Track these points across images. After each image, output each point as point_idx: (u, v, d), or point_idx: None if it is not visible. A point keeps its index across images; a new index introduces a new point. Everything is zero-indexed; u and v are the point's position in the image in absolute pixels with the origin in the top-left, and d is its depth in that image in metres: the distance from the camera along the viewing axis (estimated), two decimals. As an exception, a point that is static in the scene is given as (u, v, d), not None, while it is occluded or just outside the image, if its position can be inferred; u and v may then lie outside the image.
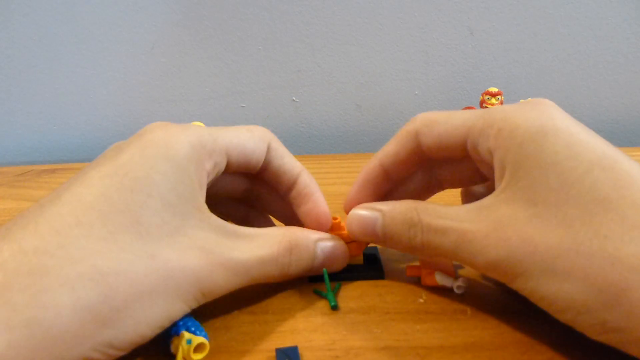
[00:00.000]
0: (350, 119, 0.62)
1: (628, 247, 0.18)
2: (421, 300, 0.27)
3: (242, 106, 0.61)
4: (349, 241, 0.28)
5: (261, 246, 0.25)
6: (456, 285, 0.27)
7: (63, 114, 0.60)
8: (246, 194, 0.30)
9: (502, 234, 0.21)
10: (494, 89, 0.43)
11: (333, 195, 0.33)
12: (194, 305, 0.23)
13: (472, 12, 0.57)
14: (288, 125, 0.62)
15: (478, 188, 0.30)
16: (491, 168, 0.24)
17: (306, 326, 0.25)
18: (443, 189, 0.30)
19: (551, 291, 0.20)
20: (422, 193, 0.30)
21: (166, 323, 0.21)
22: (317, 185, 0.29)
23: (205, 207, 0.24)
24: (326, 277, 0.28)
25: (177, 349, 0.22)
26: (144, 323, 0.20)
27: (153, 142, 0.23)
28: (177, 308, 0.22)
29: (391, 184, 0.29)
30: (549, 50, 0.59)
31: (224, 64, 0.59)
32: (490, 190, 0.27)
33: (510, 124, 0.23)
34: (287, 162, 0.28)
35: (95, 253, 0.20)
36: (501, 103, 0.43)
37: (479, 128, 0.24)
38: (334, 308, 0.26)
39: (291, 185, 0.29)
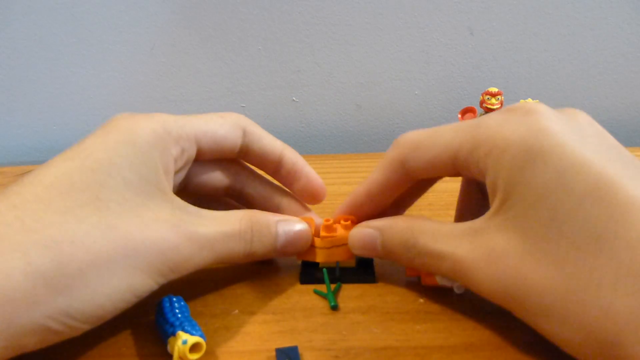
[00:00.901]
0: (350, 119, 0.62)
1: (622, 298, 0.18)
2: (421, 301, 0.27)
3: (242, 106, 0.61)
4: (342, 244, 0.28)
5: (224, 223, 0.25)
6: (456, 285, 0.27)
7: (63, 114, 0.60)
8: (228, 192, 0.30)
9: (495, 268, 0.21)
10: (494, 89, 0.43)
11: (333, 195, 0.33)
12: (161, 280, 0.22)
13: (472, 12, 0.57)
14: (288, 125, 0.62)
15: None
16: (485, 183, 0.23)
17: (306, 326, 0.25)
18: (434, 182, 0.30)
19: (550, 331, 0.20)
20: (414, 197, 0.30)
21: (129, 297, 0.21)
22: (303, 160, 0.29)
23: (170, 190, 0.24)
24: (326, 277, 0.28)
25: (173, 349, 0.22)
26: (101, 293, 0.20)
27: (116, 128, 0.24)
28: (141, 281, 0.21)
29: (379, 209, 0.28)
30: (549, 50, 0.59)
31: (224, 64, 0.59)
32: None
33: (498, 147, 0.21)
34: (267, 142, 0.28)
35: (51, 224, 0.20)
36: (501, 103, 0.43)
37: (467, 150, 0.23)
38: (334, 308, 0.26)
39: (277, 164, 0.29)
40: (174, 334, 0.22)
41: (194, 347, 0.22)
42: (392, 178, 0.27)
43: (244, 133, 0.27)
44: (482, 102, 0.43)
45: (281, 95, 0.61)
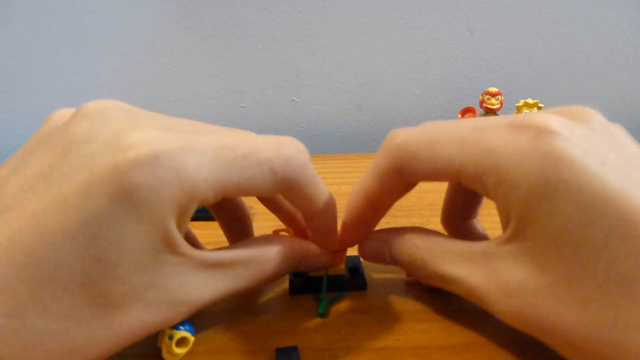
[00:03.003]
0: (350, 119, 0.62)
1: None
2: (421, 300, 0.27)
3: (242, 106, 0.61)
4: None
5: (241, 278, 0.23)
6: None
7: (63, 114, 0.60)
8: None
9: (513, 302, 0.20)
10: (494, 89, 0.43)
11: (333, 195, 0.33)
12: None
13: (472, 12, 0.57)
14: (288, 125, 0.62)
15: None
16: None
17: (306, 326, 0.25)
18: None
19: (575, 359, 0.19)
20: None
21: None
22: (331, 227, 0.26)
23: (183, 247, 0.21)
24: (324, 284, 0.27)
25: (160, 343, 0.22)
26: None
27: (129, 194, 0.18)
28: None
29: (383, 214, 0.27)
30: (549, 50, 0.59)
31: (224, 64, 0.59)
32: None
33: (509, 179, 0.19)
34: (302, 204, 0.24)
35: (50, 336, 0.18)
36: (501, 103, 0.43)
37: (472, 173, 0.21)
38: (321, 316, 0.26)
39: (305, 221, 0.26)
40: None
41: (181, 342, 0.23)
42: (391, 186, 0.25)
43: (284, 189, 0.22)
44: (482, 102, 0.43)
45: (281, 95, 0.61)
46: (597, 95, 0.60)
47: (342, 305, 0.27)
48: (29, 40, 0.57)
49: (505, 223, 0.21)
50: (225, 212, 0.30)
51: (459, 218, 0.29)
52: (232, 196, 0.22)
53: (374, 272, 0.30)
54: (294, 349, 0.23)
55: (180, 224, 0.20)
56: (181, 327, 0.22)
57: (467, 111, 0.43)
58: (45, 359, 0.18)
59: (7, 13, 0.56)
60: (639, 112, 0.61)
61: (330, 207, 0.25)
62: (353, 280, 0.29)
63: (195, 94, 0.60)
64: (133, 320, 0.20)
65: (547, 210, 0.19)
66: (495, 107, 0.42)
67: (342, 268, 0.29)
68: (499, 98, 0.43)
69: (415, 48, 0.59)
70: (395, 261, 0.26)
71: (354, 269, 0.29)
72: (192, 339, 0.23)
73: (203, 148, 0.20)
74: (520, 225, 0.20)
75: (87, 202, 0.18)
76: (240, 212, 0.29)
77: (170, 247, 0.20)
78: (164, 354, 0.23)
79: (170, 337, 0.22)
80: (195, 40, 0.58)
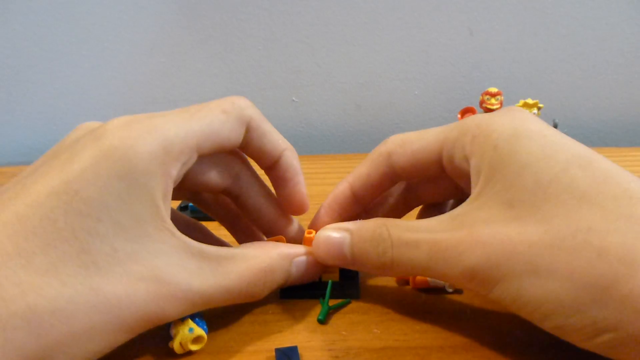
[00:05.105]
0: (350, 119, 0.62)
1: (613, 237, 0.18)
2: (420, 301, 0.27)
3: (242, 106, 0.61)
4: None
5: (229, 273, 0.23)
6: (447, 284, 0.27)
7: (63, 114, 0.60)
8: (225, 192, 0.28)
9: (478, 237, 0.20)
10: (493, 89, 0.43)
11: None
12: (141, 331, 0.22)
13: (472, 12, 0.57)
14: (288, 125, 0.62)
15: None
16: (469, 179, 0.23)
17: (306, 326, 0.25)
18: (421, 204, 0.29)
19: (536, 293, 0.19)
20: (399, 210, 0.29)
21: (107, 351, 0.21)
22: (298, 168, 0.27)
23: (168, 223, 0.22)
24: (329, 288, 0.27)
25: (177, 333, 0.22)
26: (79, 356, 0.20)
27: (108, 153, 0.20)
28: (121, 339, 0.21)
29: (361, 208, 0.28)
30: (549, 50, 0.59)
31: (224, 64, 0.59)
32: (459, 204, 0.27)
33: (484, 130, 0.22)
34: (268, 142, 0.26)
35: (32, 288, 0.18)
36: (501, 103, 0.43)
37: (453, 138, 0.24)
38: (320, 322, 0.26)
39: (272, 164, 0.27)
40: (182, 320, 0.23)
41: (196, 340, 0.23)
42: (376, 172, 0.26)
43: (247, 129, 0.25)
44: (481, 102, 0.43)
45: (281, 95, 0.61)
46: (597, 95, 0.60)
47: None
48: (29, 40, 0.57)
49: (475, 181, 0.22)
50: (225, 209, 0.30)
51: (432, 207, 0.29)
52: (207, 149, 0.24)
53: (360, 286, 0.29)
54: (294, 349, 0.23)
55: (164, 187, 0.21)
56: (201, 326, 0.23)
57: (467, 111, 0.43)
58: (26, 313, 0.18)
59: (7, 13, 0.56)
60: (639, 112, 0.61)
61: (290, 146, 0.27)
62: (347, 286, 0.28)
63: (195, 94, 0.60)
64: (120, 292, 0.20)
65: (514, 148, 0.21)
66: (495, 107, 0.42)
67: (336, 274, 0.28)
68: (499, 98, 0.43)
69: (415, 48, 0.59)
70: (354, 250, 0.24)
71: (349, 275, 0.28)
72: (206, 339, 0.23)
73: (164, 116, 0.23)
74: (491, 171, 0.21)
75: (70, 164, 0.20)
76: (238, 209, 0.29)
77: (153, 215, 0.21)
78: (175, 344, 0.22)
79: (191, 331, 0.22)
80: (195, 40, 0.58)
